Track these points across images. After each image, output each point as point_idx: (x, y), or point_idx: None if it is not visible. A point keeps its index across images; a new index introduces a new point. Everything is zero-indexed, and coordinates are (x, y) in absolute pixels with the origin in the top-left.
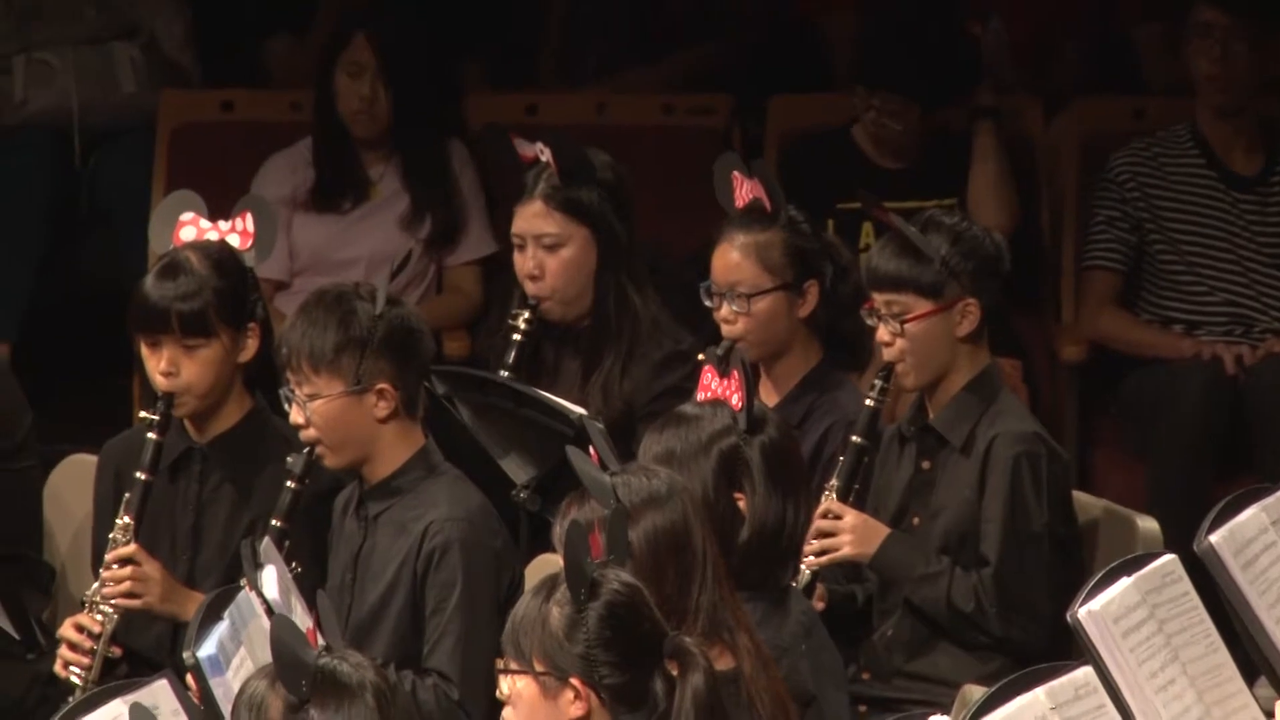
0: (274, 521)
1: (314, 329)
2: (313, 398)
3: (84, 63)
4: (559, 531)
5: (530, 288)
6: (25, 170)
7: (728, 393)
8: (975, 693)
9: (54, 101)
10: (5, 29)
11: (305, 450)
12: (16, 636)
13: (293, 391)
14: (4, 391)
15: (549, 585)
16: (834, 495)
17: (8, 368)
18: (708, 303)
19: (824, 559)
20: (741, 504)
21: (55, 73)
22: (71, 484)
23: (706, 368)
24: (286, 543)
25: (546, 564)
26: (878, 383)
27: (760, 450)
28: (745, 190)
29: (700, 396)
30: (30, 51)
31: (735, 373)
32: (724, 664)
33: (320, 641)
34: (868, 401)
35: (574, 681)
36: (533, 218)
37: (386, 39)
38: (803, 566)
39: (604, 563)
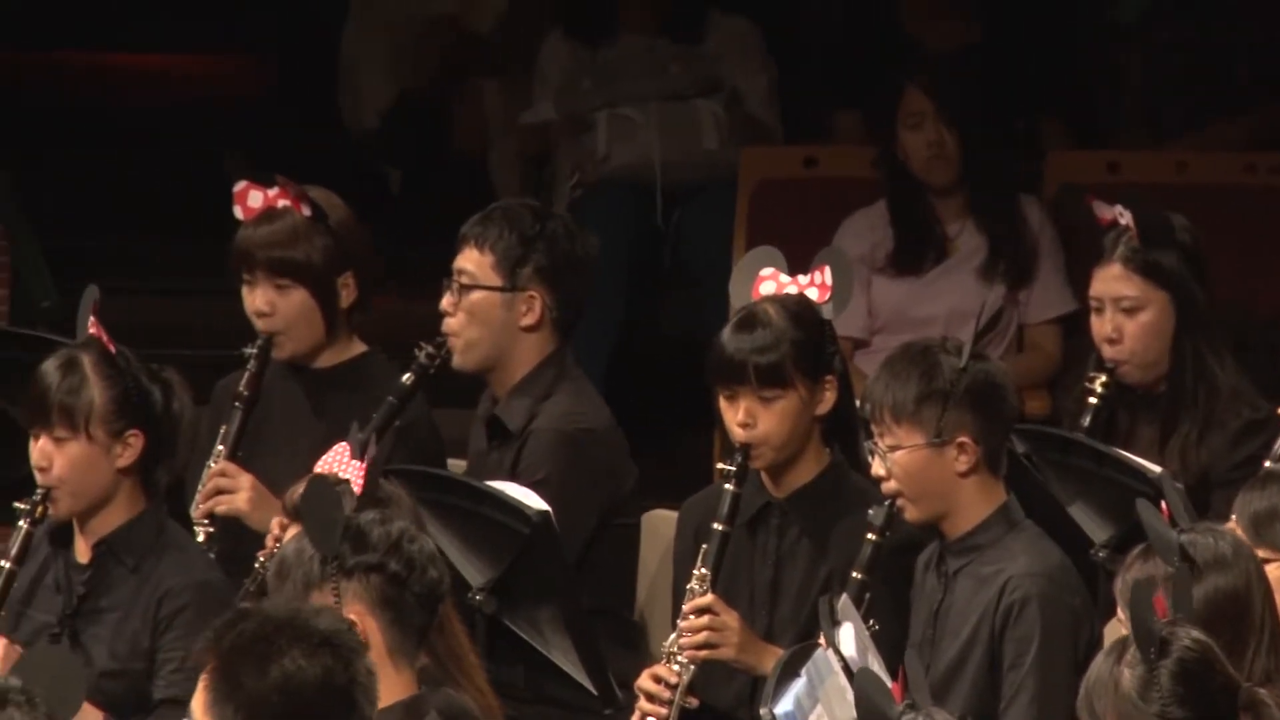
0: (854, 574)
1: (896, 381)
2: (893, 449)
3: (667, 119)
4: (1119, 586)
5: (1108, 351)
6: (608, 225)
7: None
8: None
9: (636, 157)
10: (589, 86)
11: (886, 503)
12: (594, 691)
13: (875, 444)
14: (615, 447)
15: (1119, 647)
16: None
17: (616, 423)
18: None
19: None
20: None
21: (638, 128)
22: (651, 539)
23: None
24: (867, 595)
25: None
26: None
27: None
28: None
29: None
30: (614, 107)
31: None
32: None
33: (905, 698)
34: None
35: None
36: (1111, 280)
37: (939, 82)
38: None
39: (1172, 621)
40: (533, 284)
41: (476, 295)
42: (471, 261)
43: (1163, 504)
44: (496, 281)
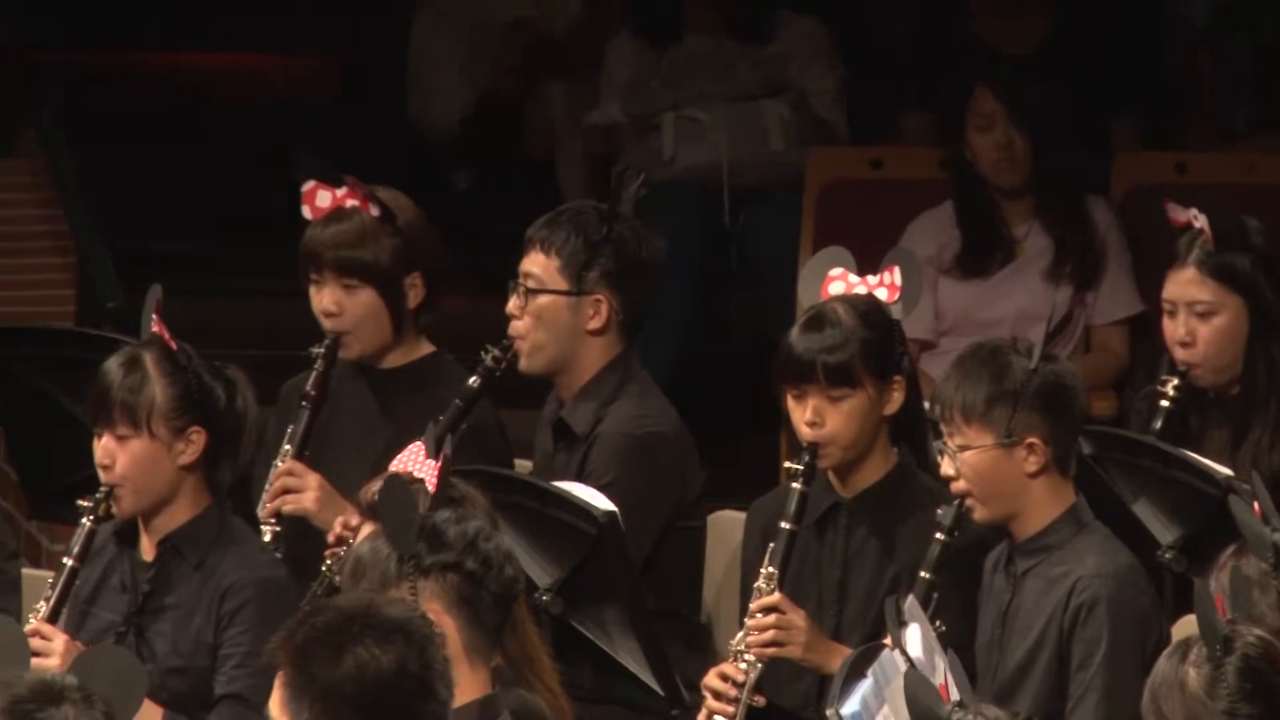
0: (922, 574)
1: (967, 381)
2: (963, 449)
3: (734, 120)
4: (1212, 584)
5: (1180, 354)
6: (674, 227)
7: None
8: None
9: (703, 158)
10: (656, 86)
11: (955, 502)
12: (660, 692)
13: (945, 444)
14: (683, 450)
15: (1182, 648)
16: None
17: (683, 426)
18: None
19: None
20: None
21: (704, 129)
22: (718, 540)
23: None
24: (934, 596)
25: (1190, 625)
26: None
27: None
28: None
29: None
30: (680, 109)
31: None
32: None
33: (952, 696)
34: None
35: None
36: (1185, 284)
37: (1008, 84)
38: None
39: (1233, 619)
40: (599, 288)
41: (542, 299)
42: (538, 265)
43: (1255, 504)
44: (562, 285)
